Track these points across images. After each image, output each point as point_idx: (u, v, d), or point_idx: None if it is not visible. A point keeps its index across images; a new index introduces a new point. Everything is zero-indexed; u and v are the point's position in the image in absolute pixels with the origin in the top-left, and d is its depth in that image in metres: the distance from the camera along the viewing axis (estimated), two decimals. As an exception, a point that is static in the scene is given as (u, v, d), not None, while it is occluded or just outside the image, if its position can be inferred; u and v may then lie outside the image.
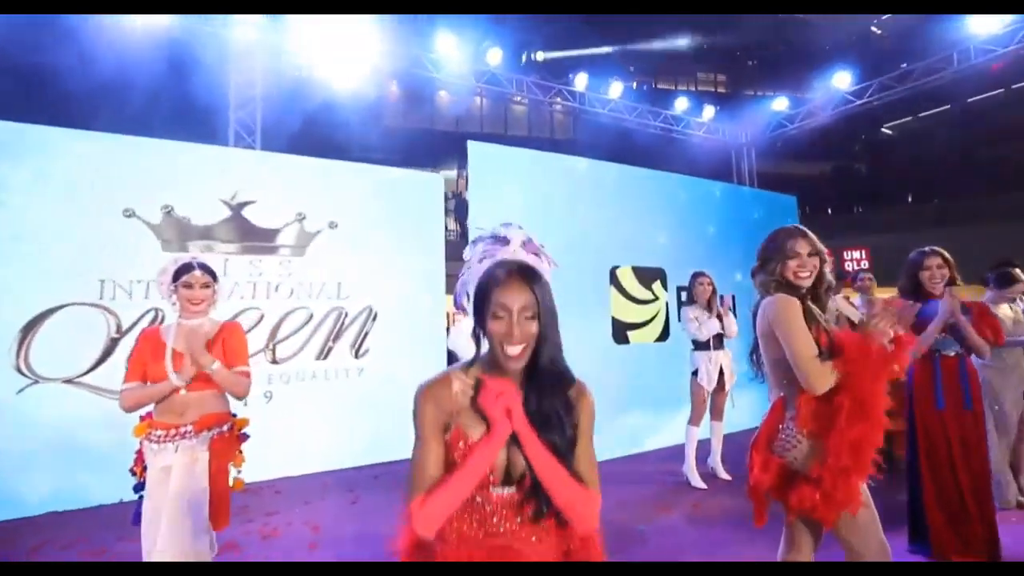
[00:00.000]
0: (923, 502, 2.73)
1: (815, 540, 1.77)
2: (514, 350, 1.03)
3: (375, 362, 4.55)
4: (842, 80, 6.67)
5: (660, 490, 3.82)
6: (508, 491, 1.07)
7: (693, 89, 25.02)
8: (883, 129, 20.70)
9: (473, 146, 4.33)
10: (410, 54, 5.55)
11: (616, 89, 6.70)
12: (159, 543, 1.82)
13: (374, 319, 4.60)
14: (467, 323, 2.45)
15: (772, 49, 21.99)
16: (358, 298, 4.56)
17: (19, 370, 3.53)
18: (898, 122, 20.01)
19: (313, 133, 6.89)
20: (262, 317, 4.24)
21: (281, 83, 5.42)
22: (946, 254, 2.77)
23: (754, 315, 1.86)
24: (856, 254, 15.46)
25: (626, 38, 21.64)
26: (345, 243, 4.53)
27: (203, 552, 1.90)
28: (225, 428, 2.02)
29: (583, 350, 4.59)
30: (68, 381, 3.65)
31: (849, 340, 1.62)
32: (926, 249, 2.79)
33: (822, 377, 1.58)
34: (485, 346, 1.09)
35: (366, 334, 4.57)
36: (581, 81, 6.46)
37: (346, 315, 4.52)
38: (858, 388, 1.57)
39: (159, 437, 1.94)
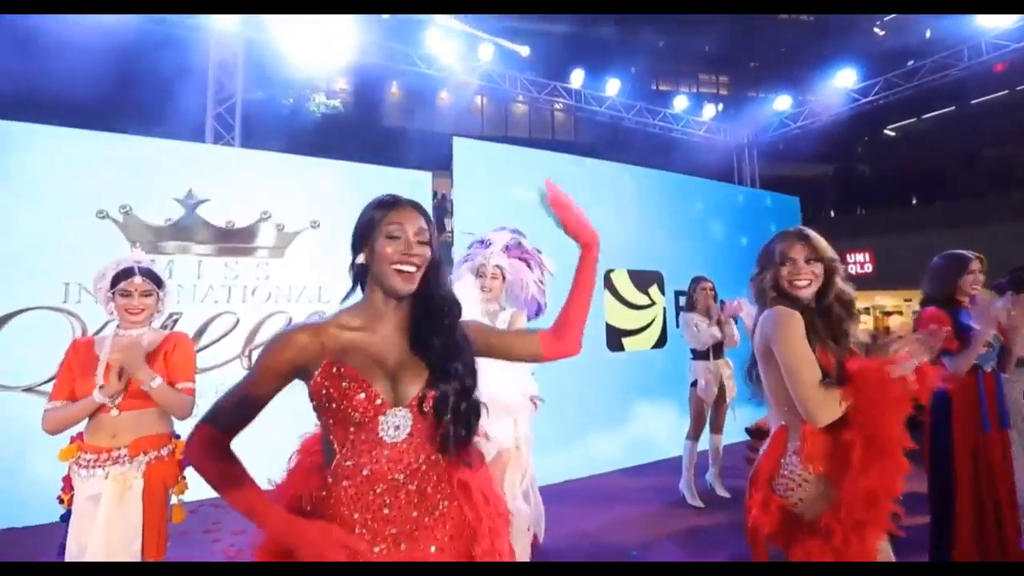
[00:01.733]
0: (954, 528, 2.49)
1: None
2: (408, 268, 1.01)
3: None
4: (847, 78, 6.46)
5: (654, 509, 3.61)
6: (401, 433, 0.98)
7: (695, 90, 24.91)
8: (886, 131, 20.45)
9: (459, 143, 4.12)
10: (400, 50, 5.35)
11: (613, 86, 6.49)
12: (81, 581, 1.62)
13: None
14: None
15: (775, 49, 21.80)
16: (339, 301, 4.35)
17: (-25, 378, 3.33)
18: (901, 124, 19.77)
19: (301, 134, 6.69)
20: (238, 322, 4.04)
21: (263, 80, 5.22)
22: (983, 258, 2.56)
23: (753, 327, 1.66)
24: (860, 256, 15.24)
25: (627, 38, 21.47)
26: (326, 244, 4.33)
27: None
28: (164, 451, 1.82)
29: (574, 357, 4.39)
30: (28, 389, 3.45)
31: (863, 366, 1.39)
32: (968, 253, 2.56)
33: (824, 408, 1.36)
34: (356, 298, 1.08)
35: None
36: (577, 78, 6.25)
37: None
38: (872, 424, 1.34)
39: (88, 462, 1.74)
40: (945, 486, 2.52)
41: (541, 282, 2.65)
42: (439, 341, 1.04)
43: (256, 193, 4.16)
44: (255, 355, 4.09)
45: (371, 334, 1.04)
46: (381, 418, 0.97)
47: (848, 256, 15.37)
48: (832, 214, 16.72)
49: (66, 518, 1.76)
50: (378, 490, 0.95)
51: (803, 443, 1.43)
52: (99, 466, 1.72)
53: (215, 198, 4.03)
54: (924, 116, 18.47)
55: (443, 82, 5.99)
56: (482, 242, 2.62)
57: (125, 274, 1.85)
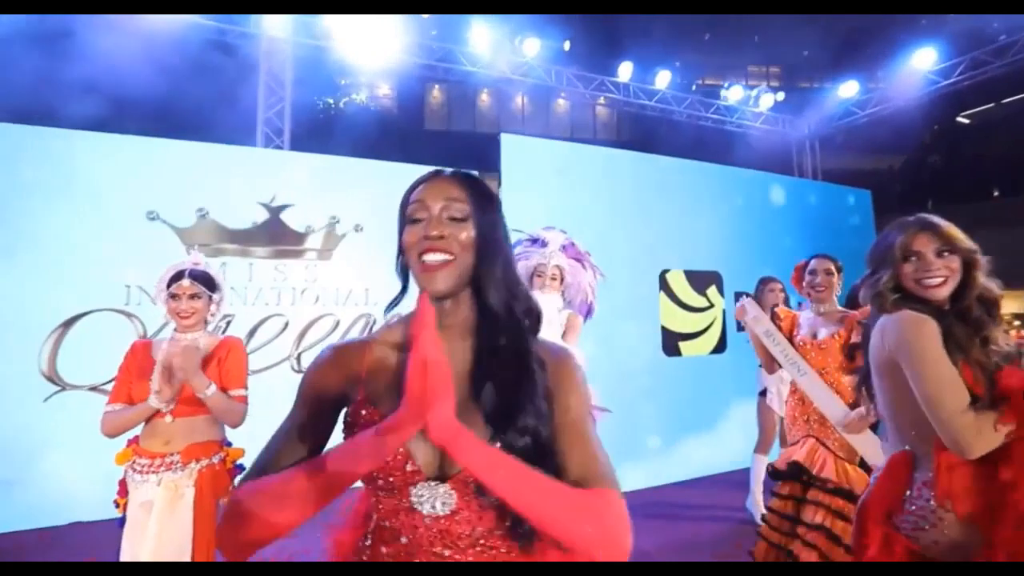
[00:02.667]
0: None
1: None
2: (433, 258, 0.73)
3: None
4: (925, 58, 5.89)
5: (719, 527, 3.34)
6: (443, 509, 0.70)
7: (743, 84, 23.94)
8: (959, 119, 18.90)
9: (507, 139, 3.99)
10: (443, 49, 5.29)
11: (663, 79, 6.20)
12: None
13: (404, 327, 4.35)
14: None
15: (832, 34, 20.62)
16: (385, 304, 4.31)
17: (47, 377, 3.48)
18: (976, 111, 18.21)
19: (346, 136, 6.77)
20: (287, 324, 4.06)
21: (312, 84, 5.28)
22: None
23: (865, 335, 1.42)
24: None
25: (671, 32, 20.84)
26: (373, 247, 4.29)
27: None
28: (215, 459, 1.77)
29: (629, 361, 4.17)
30: (94, 388, 3.57)
31: (1021, 383, 1.15)
32: None
33: (978, 437, 1.11)
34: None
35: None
36: (625, 71, 6.01)
37: (374, 322, 4.28)
38: None
39: (142, 467, 1.70)
40: None
41: (594, 287, 2.51)
42: (507, 379, 0.73)
43: (306, 196, 4.18)
44: (304, 358, 4.10)
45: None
46: (412, 488, 0.71)
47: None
48: (898, 209, 15.58)
49: (122, 523, 1.73)
50: (420, 563, 0.72)
51: (938, 476, 1.19)
52: (152, 471, 1.69)
53: (267, 201, 4.07)
54: (1004, 101, 16.92)
55: (486, 81, 5.88)
56: (535, 241, 2.49)
57: (177, 277, 1.82)
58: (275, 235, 4.09)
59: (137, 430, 1.78)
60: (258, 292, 4.01)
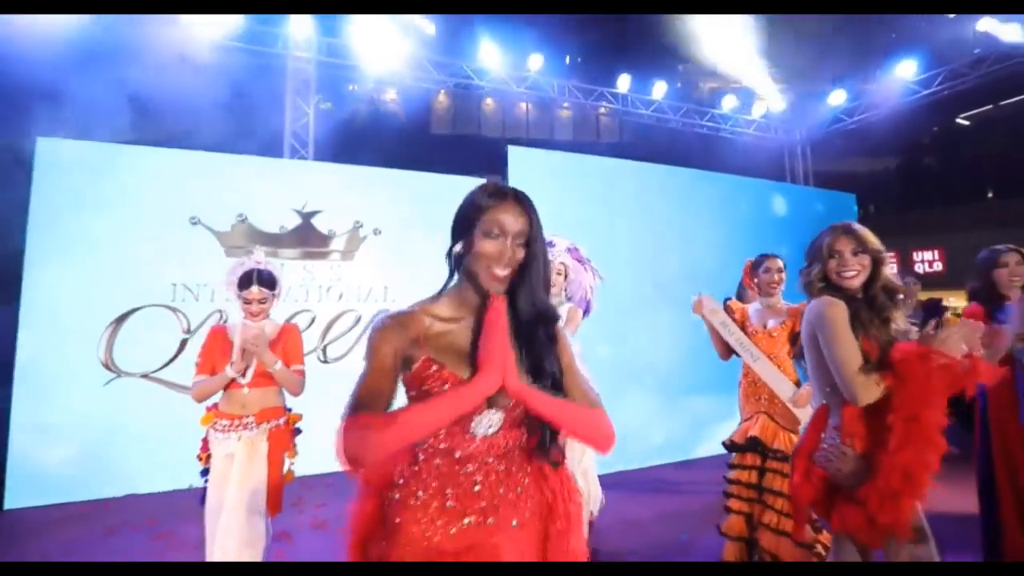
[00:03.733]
0: (1000, 521, 2.52)
1: (863, 556, 1.69)
2: (502, 272, 0.99)
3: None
4: (906, 69, 6.26)
5: (710, 500, 3.72)
6: (492, 429, 1.01)
7: (745, 85, 24.23)
8: (958, 120, 19.13)
9: (514, 151, 4.39)
10: (453, 64, 5.71)
11: (660, 89, 6.59)
12: (221, 524, 1.98)
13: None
14: None
15: (830, 38, 20.90)
16: (404, 301, 4.69)
17: (105, 365, 3.90)
18: (975, 112, 18.44)
19: (364, 144, 7.19)
20: (314, 319, 4.47)
21: (333, 98, 5.70)
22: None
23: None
24: (928, 255, 14.38)
25: (673, 36, 21.12)
26: (391, 248, 4.70)
27: (259, 534, 2.04)
28: (281, 421, 2.18)
29: (633, 360, 4.53)
30: (145, 376, 3.99)
31: (906, 353, 1.52)
32: (1001, 247, 2.59)
33: (865, 389, 1.50)
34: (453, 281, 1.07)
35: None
36: (624, 83, 6.40)
37: (392, 317, 4.68)
38: (912, 407, 1.46)
39: (224, 427, 2.11)
40: (988, 480, 2.54)
41: (593, 287, 2.87)
42: (537, 344, 1.04)
43: (330, 202, 4.59)
44: (329, 349, 4.52)
45: (465, 327, 1.04)
46: (476, 416, 1.00)
47: (915, 255, 14.55)
48: (896, 211, 15.87)
49: (205, 473, 2.14)
50: (469, 469, 1.00)
51: (843, 421, 1.58)
52: (232, 430, 2.09)
53: (296, 208, 4.48)
54: (1002, 103, 17.17)
55: (492, 92, 6.29)
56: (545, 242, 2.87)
57: (246, 281, 2.19)
58: (303, 238, 4.51)
59: (215, 399, 2.19)
60: (288, 290, 4.41)
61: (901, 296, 1.71)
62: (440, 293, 1.08)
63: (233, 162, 4.49)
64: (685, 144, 7.65)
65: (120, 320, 3.96)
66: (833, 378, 1.60)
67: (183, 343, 4.11)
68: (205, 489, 2.11)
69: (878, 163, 16.74)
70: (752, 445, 2.48)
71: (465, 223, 1.02)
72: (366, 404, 0.96)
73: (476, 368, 0.94)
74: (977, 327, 1.50)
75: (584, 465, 2.59)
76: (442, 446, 1.01)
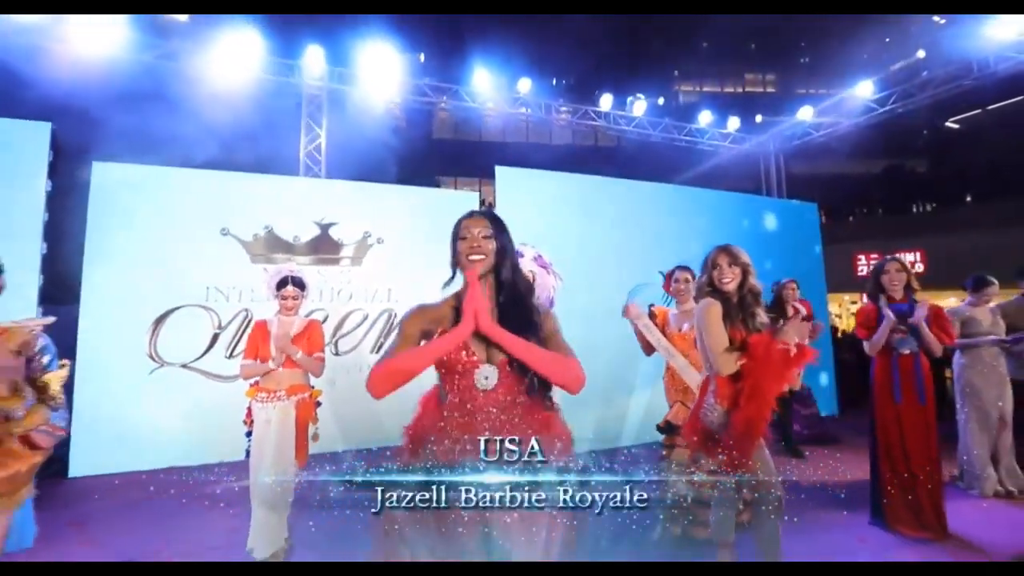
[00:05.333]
0: (880, 483, 3.12)
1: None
2: (476, 257, 1.38)
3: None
4: (864, 89, 6.84)
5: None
6: (491, 382, 1.33)
7: (740, 91, 24.74)
8: (948, 123, 19.57)
9: (501, 171, 5.02)
10: (450, 89, 6.36)
11: (640, 107, 7.22)
12: (262, 469, 2.62)
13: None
14: None
15: (822, 47, 21.38)
16: (405, 301, 5.35)
17: (150, 356, 4.56)
18: (965, 116, 18.87)
19: (371, 158, 7.87)
20: (327, 317, 5.12)
21: (342, 120, 6.36)
22: (903, 261, 3.16)
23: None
24: (910, 256, 14.87)
25: (670, 40, 21.74)
26: (394, 255, 5.34)
27: (290, 478, 2.68)
28: (306, 395, 2.82)
29: (611, 356, 5.12)
30: (184, 365, 4.65)
31: (757, 340, 2.14)
32: (888, 257, 3.19)
33: (724, 364, 2.13)
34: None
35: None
36: (606, 102, 7.04)
37: (395, 316, 5.33)
38: (757, 377, 2.09)
39: (263, 399, 2.75)
40: (874, 451, 3.13)
41: (555, 288, 3.47)
42: (516, 312, 1.38)
43: (341, 214, 5.23)
44: (340, 343, 5.15)
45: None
46: (476, 371, 1.33)
47: (898, 255, 15.02)
48: (880, 212, 16.38)
49: (249, 434, 2.78)
50: (479, 418, 1.31)
51: (717, 387, 2.20)
52: (270, 402, 2.73)
53: (312, 219, 5.13)
54: (990, 107, 17.61)
55: (486, 112, 6.93)
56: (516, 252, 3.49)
57: (282, 284, 2.84)
58: (317, 246, 5.16)
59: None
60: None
61: (761, 298, 2.33)
62: (453, 291, 1.49)
63: (256, 180, 5.15)
64: (668, 154, 8.25)
65: (162, 318, 4.62)
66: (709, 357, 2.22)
67: (215, 337, 4.77)
68: (249, 445, 2.75)
69: (863, 165, 17.26)
70: (668, 429, 3.01)
71: (453, 237, 1.46)
72: (387, 355, 1.37)
73: (488, 339, 1.33)
74: (805, 326, 2.11)
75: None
76: (456, 400, 1.35)
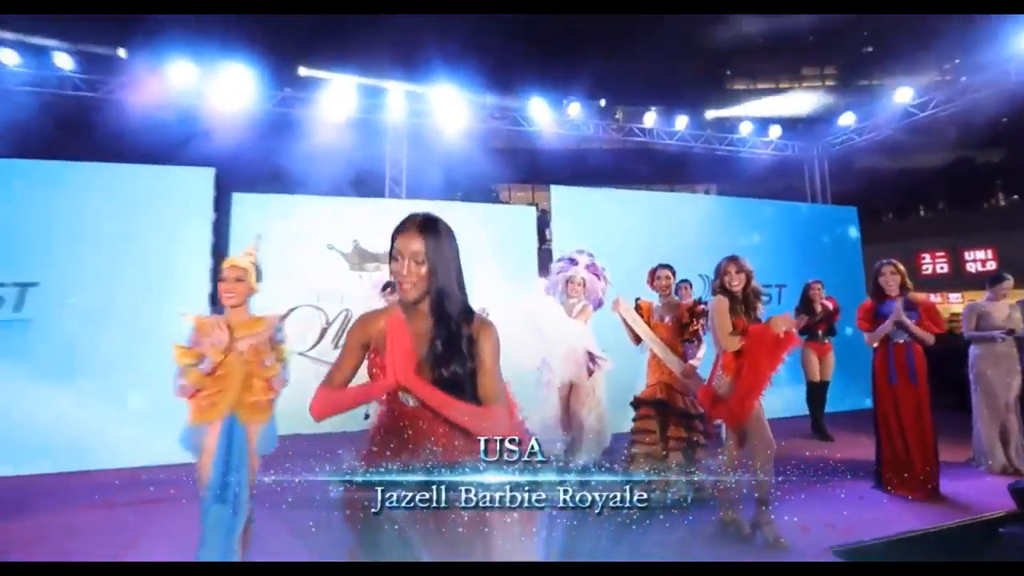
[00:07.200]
0: (880, 453, 3.68)
1: (738, 441, 2.97)
2: (406, 286, 1.31)
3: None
4: (904, 95, 7.09)
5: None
6: (415, 402, 1.32)
7: (797, 86, 24.15)
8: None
9: (556, 190, 5.85)
10: (508, 117, 7.31)
11: (681, 122, 7.82)
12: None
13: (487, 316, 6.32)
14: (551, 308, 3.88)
15: (886, 35, 20.61)
16: (474, 303, 6.24)
17: (275, 347, 5.73)
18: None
19: (442, 177, 9.00)
20: (410, 315, 6.13)
21: (420, 146, 7.47)
22: (898, 263, 3.69)
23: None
24: (980, 254, 14.23)
25: (725, 39, 21.72)
26: (464, 262, 6.26)
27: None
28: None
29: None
30: (301, 354, 5.79)
31: (754, 328, 2.86)
32: (884, 260, 3.73)
33: (729, 345, 2.85)
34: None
35: (480, 328, 6.31)
36: (650, 119, 7.71)
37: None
38: (753, 355, 2.80)
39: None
40: (875, 427, 3.68)
41: (604, 291, 4.17)
42: (441, 341, 1.31)
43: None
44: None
45: (406, 325, 1.33)
46: (400, 393, 1.32)
47: (966, 253, 14.37)
48: (940, 208, 15.74)
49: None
50: (403, 424, 1.34)
51: (725, 363, 2.91)
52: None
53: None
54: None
55: (540, 134, 7.81)
56: (570, 260, 4.23)
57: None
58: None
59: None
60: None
61: (761, 297, 3.02)
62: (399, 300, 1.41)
63: (352, 203, 6.26)
64: (712, 157, 8.73)
65: (284, 316, 5.77)
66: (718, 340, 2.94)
67: (323, 331, 5.89)
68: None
69: (920, 163, 16.60)
70: (660, 405, 3.47)
71: (391, 246, 1.36)
72: (330, 378, 1.38)
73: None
74: (790, 320, 2.78)
75: (599, 411, 3.93)
76: (386, 408, 1.41)
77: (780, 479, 3.37)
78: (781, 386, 5.77)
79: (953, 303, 14.32)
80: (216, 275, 5.55)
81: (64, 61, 5.97)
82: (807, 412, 5.47)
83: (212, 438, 2.22)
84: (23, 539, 3.08)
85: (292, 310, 5.80)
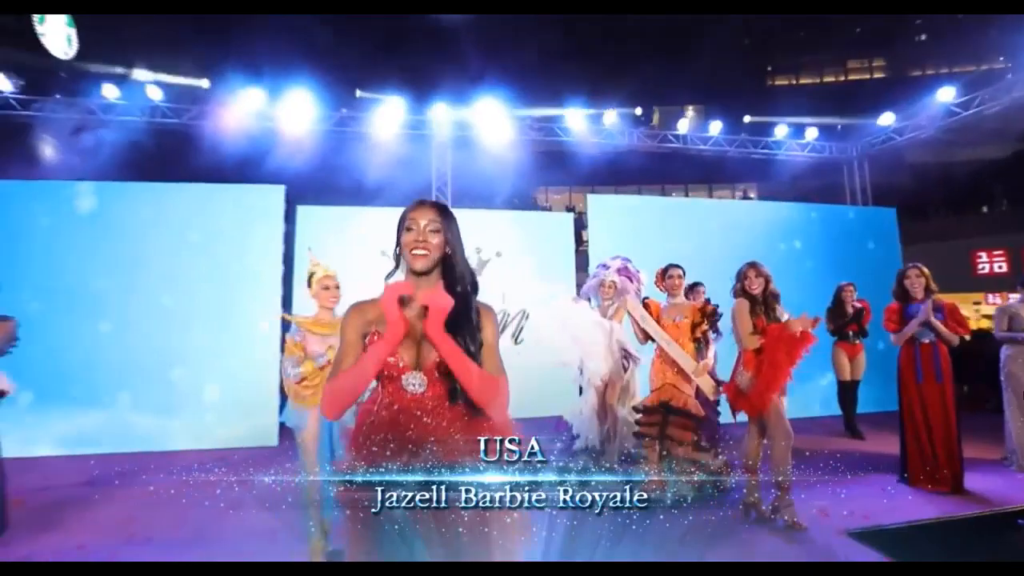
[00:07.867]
0: (905, 448, 3.84)
1: (760, 431, 3.25)
2: (419, 252, 1.30)
3: (528, 346, 6.63)
4: (947, 94, 7.02)
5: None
6: (419, 388, 1.28)
7: (843, 79, 23.36)
8: None
9: (592, 199, 6.20)
10: (546, 127, 7.70)
11: (715, 127, 7.99)
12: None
13: (527, 318, 6.68)
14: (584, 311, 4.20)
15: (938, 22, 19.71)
16: (516, 303, 6.67)
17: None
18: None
19: (486, 185, 9.51)
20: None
21: (465, 159, 8.00)
22: (923, 267, 3.84)
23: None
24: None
25: (763, 35, 21.33)
26: (506, 266, 6.69)
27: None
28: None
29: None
30: (358, 352, 6.36)
31: (773, 328, 3.14)
32: (910, 264, 3.90)
33: (750, 342, 3.14)
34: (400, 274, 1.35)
35: (522, 328, 6.68)
36: (683, 125, 7.92)
37: (508, 315, 6.67)
38: (772, 353, 3.08)
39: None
40: (901, 423, 3.84)
41: (638, 291, 4.47)
42: (458, 313, 1.28)
43: (464, 235, 6.72)
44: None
45: (407, 308, 1.28)
46: (403, 376, 1.28)
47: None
48: (1004, 206, 14.98)
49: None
50: (402, 419, 1.27)
51: (746, 359, 3.20)
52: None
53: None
54: None
55: (571, 142, 8.17)
56: (603, 266, 4.57)
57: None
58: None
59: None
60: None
61: (779, 299, 3.28)
62: (391, 284, 1.34)
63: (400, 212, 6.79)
64: (747, 159, 8.82)
65: (343, 317, 6.38)
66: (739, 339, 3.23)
67: (376, 332, 6.45)
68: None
69: (976, 156, 15.82)
70: (662, 407, 3.53)
71: (397, 227, 1.36)
72: (334, 373, 1.29)
73: (420, 343, 1.29)
74: (807, 321, 3.03)
75: (634, 403, 4.24)
76: (386, 400, 1.31)
77: (806, 469, 3.63)
78: (816, 385, 5.98)
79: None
80: (287, 280, 6.24)
81: (155, 93, 6.80)
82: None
83: (313, 421, 2.68)
84: (142, 503, 3.71)
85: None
